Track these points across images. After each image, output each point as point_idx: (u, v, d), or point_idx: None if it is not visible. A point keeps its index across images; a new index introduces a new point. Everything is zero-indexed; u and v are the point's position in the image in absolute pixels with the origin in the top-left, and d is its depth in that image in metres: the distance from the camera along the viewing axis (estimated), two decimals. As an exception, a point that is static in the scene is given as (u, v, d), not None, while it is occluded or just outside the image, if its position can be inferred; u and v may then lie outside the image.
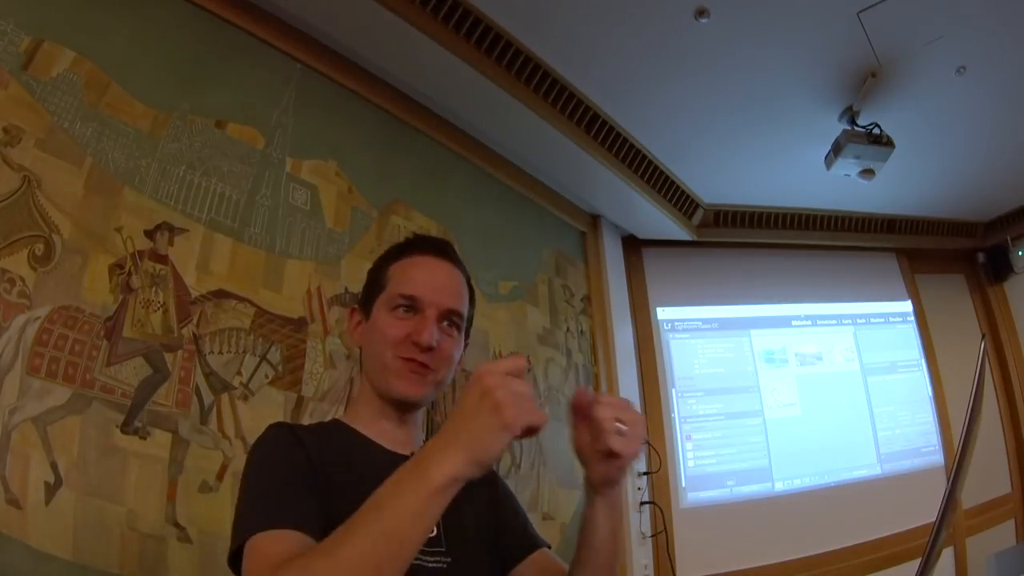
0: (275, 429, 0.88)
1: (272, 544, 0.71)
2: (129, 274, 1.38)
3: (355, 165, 1.96)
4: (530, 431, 0.65)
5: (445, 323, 0.93)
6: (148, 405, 1.34)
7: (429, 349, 0.89)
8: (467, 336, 1.01)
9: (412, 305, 0.92)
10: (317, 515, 0.75)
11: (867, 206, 3.30)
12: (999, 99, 2.48)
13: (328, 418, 1.05)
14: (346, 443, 0.90)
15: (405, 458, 0.90)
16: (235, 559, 0.74)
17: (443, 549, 0.84)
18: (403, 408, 0.94)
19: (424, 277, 0.94)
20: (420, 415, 1.00)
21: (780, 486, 2.99)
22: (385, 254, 1.01)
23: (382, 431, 0.93)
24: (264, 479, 0.80)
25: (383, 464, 0.88)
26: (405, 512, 0.61)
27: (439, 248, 0.99)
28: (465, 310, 0.97)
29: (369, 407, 0.94)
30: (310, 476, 0.80)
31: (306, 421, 1.60)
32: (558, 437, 2.40)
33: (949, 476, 0.78)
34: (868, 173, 2.50)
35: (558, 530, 2.27)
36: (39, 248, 1.25)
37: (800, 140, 2.64)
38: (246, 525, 0.74)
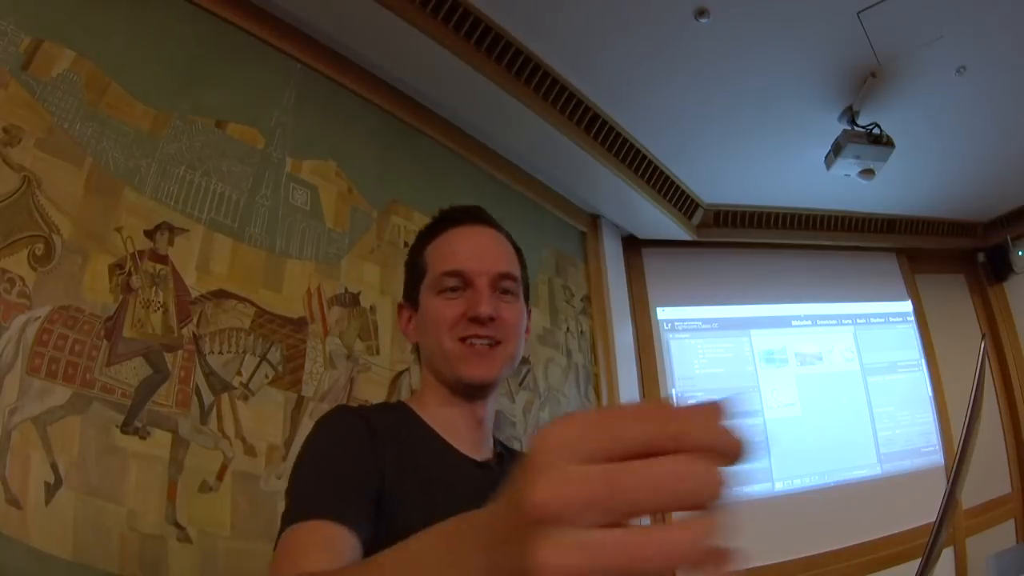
0: (344, 413, 0.81)
1: (304, 535, 0.64)
2: (129, 274, 1.38)
3: (355, 165, 1.96)
4: None
5: (499, 291, 0.85)
6: (148, 405, 1.34)
7: (490, 320, 0.81)
8: (528, 301, 0.93)
9: (460, 282, 0.84)
10: (367, 517, 0.69)
11: (867, 206, 3.30)
12: (999, 99, 2.48)
13: (393, 399, 0.99)
14: (415, 437, 0.82)
15: (476, 464, 0.84)
16: None
17: None
18: (476, 395, 0.86)
19: (466, 248, 0.86)
20: (493, 403, 0.91)
21: (780, 486, 2.98)
22: (418, 239, 0.93)
23: (452, 427, 0.85)
24: (320, 468, 0.73)
25: (456, 472, 0.81)
26: None
27: (473, 215, 0.91)
28: (517, 271, 0.89)
29: (436, 398, 0.86)
30: (374, 475, 0.73)
31: (306, 422, 1.60)
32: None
33: (949, 476, 0.78)
34: (868, 173, 2.50)
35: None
36: (39, 248, 1.25)
37: (800, 140, 2.64)
38: (289, 515, 0.69)
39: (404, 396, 1.83)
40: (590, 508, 0.26)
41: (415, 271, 0.89)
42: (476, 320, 0.81)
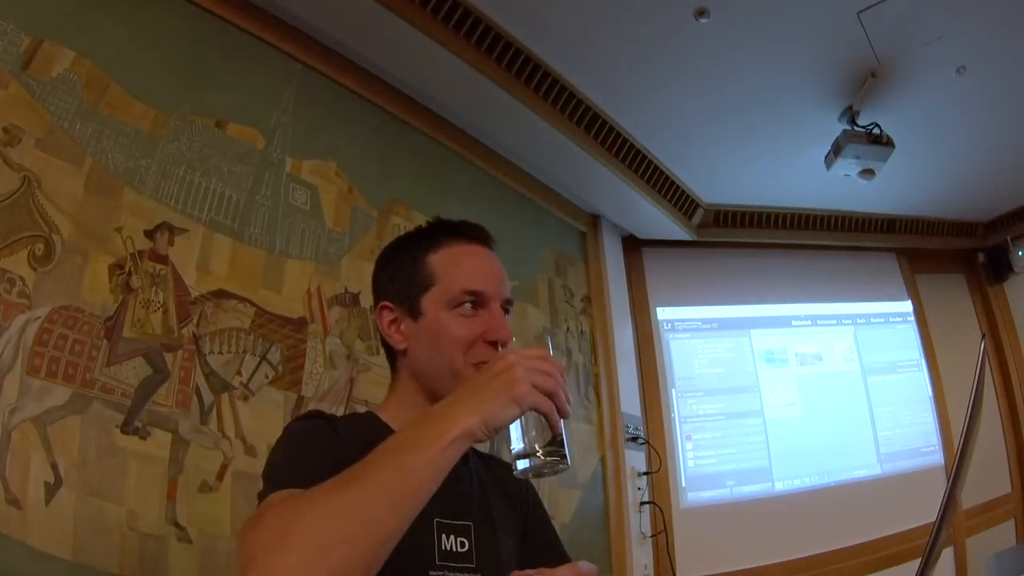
0: (314, 418, 0.85)
1: (274, 499, 0.68)
2: (129, 274, 1.38)
3: (355, 165, 1.96)
4: (540, 412, 0.66)
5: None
6: (148, 405, 1.34)
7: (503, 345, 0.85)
8: None
9: (476, 302, 0.86)
10: None
11: (867, 206, 3.29)
12: (999, 99, 2.48)
13: (363, 411, 1.01)
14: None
15: None
16: None
17: (472, 565, 0.81)
18: None
19: (486, 269, 0.89)
20: None
21: (780, 486, 2.98)
22: (413, 242, 0.92)
23: None
24: (291, 454, 0.78)
25: None
26: (421, 458, 0.62)
27: (484, 236, 0.93)
28: None
29: (414, 411, 0.85)
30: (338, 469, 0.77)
31: (306, 421, 1.60)
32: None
33: (949, 476, 0.78)
34: (868, 173, 2.50)
35: (558, 529, 2.26)
36: (39, 248, 1.25)
37: (800, 140, 2.64)
38: (261, 494, 0.72)
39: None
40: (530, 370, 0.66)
41: (416, 278, 0.89)
42: (497, 344, 0.85)
